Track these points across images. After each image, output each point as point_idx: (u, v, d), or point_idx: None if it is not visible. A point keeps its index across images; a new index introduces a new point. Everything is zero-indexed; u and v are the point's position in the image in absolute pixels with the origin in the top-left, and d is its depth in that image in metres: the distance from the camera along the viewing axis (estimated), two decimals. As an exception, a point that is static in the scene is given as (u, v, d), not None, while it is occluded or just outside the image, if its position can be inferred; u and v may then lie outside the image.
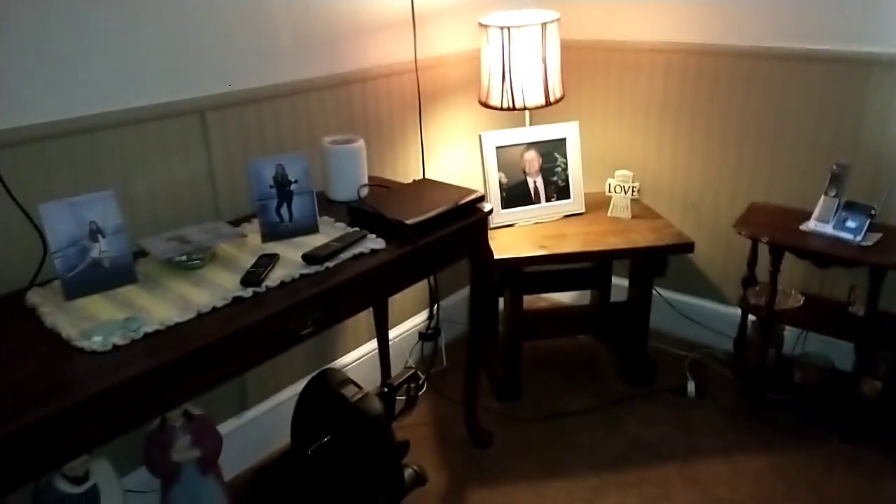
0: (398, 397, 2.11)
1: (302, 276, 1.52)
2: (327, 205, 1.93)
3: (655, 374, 2.54)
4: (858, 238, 2.09)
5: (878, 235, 2.10)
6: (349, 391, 1.93)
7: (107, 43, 1.60)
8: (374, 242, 1.68)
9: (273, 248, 1.66)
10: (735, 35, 2.39)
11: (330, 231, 1.75)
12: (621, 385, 2.54)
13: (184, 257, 1.53)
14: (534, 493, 2.06)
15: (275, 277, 1.50)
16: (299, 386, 2.06)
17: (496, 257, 2.07)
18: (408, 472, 2.01)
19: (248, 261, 1.56)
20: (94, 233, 1.44)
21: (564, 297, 3.02)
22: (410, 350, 2.60)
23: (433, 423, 2.36)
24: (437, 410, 2.42)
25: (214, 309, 1.39)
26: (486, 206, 1.91)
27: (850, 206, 2.14)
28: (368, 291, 1.63)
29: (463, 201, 1.86)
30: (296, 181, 1.71)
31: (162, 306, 1.40)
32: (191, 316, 1.36)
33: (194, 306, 1.38)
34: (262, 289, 1.46)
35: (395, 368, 2.46)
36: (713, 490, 2.06)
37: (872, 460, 2.14)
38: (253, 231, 1.73)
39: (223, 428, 2.02)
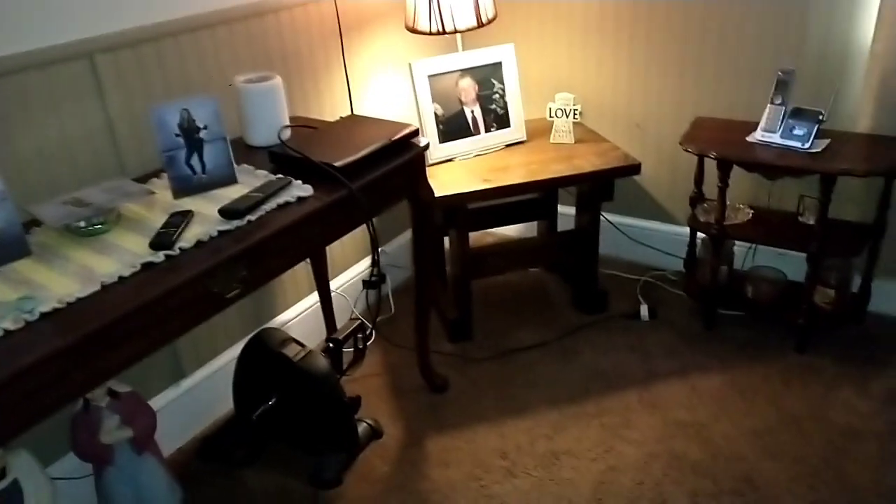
0: (346, 350, 1.99)
1: (221, 232, 1.37)
2: (246, 151, 1.76)
3: (607, 301, 2.49)
4: (807, 145, 2.02)
5: (827, 141, 2.04)
6: (291, 350, 1.81)
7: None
8: (300, 189, 1.52)
9: (186, 204, 1.49)
10: (671, -61, 2.25)
11: (250, 180, 1.58)
12: (574, 315, 2.48)
13: (82, 222, 1.36)
14: (494, 434, 1.99)
15: (189, 237, 1.34)
16: (238, 348, 1.93)
17: (437, 195, 1.94)
18: (362, 428, 1.92)
19: (159, 221, 1.40)
20: (-27, 203, 1.26)
21: (510, 231, 2.92)
22: (355, 300, 2.47)
23: (385, 372, 2.27)
24: (388, 359, 2.32)
25: (122, 278, 1.23)
26: (422, 141, 1.76)
27: (798, 113, 2.07)
28: (299, 244, 1.49)
29: (396, 137, 1.71)
30: (205, 127, 1.53)
31: (62, 280, 1.23)
32: (94, 289, 1.20)
33: (98, 277, 1.22)
34: (176, 251, 1.30)
35: (340, 321, 2.34)
36: (673, 413, 2.03)
37: (829, 369, 2.14)
38: (163, 187, 1.55)
39: (159, 400, 1.89)
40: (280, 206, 1.47)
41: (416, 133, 1.75)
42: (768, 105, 2.10)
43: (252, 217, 1.42)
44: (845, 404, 2.01)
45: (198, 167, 1.53)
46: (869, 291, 2.25)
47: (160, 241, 1.31)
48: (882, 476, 1.79)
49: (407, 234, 2.64)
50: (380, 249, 2.41)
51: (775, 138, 2.08)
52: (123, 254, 1.30)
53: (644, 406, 2.06)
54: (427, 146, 1.78)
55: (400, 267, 2.60)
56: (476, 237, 2.67)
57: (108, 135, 1.66)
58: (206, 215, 1.43)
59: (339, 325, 2.30)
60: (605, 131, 2.49)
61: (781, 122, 2.08)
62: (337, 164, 1.57)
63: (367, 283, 2.42)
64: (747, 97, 2.29)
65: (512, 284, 2.65)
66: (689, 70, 2.38)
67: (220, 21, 1.85)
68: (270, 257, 1.41)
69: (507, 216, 2.63)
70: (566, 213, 2.60)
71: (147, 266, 1.27)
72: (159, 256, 1.28)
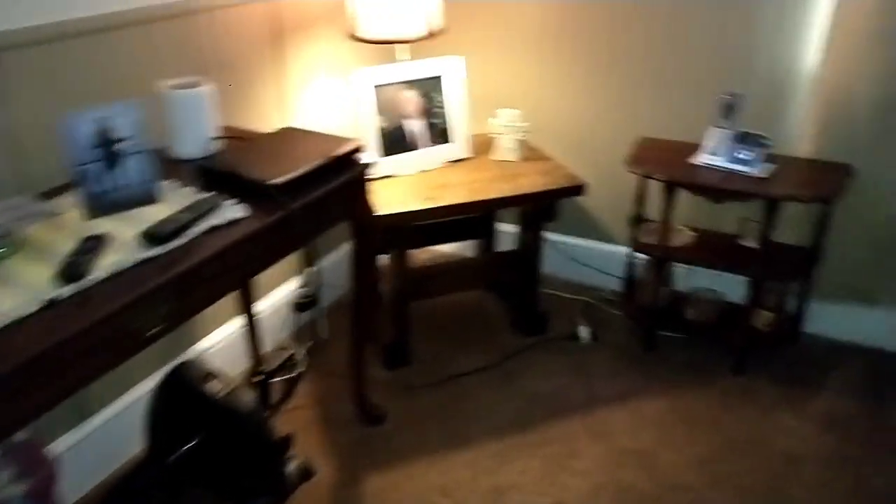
0: (276, 378, 1.83)
1: (141, 261, 1.20)
2: (171, 165, 1.58)
3: (547, 323, 2.42)
4: (753, 170, 2.02)
5: (772, 165, 2.04)
6: (214, 386, 1.64)
7: None
8: (232, 210, 1.37)
9: (101, 225, 1.30)
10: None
11: (176, 199, 1.41)
12: (514, 337, 2.40)
13: (-25, 248, 1.16)
14: (435, 469, 1.88)
15: (104, 266, 1.16)
16: (152, 381, 1.74)
17: (378, 214, 1.82)
18: (292, 468, 1.76)
19: (68, 246, 1.21)
20: None
21: (445, 248, 2.82)
22: (283, 323, 2.30)
23: (316, 403, 2.11)
24: (319, 388, 2.16)
25: (22, 317, 1.04)
26: (366, 158, 1.63)
27: (743, 138, 2.06)
28: (231, 272, 1.32)
29: (338, 153, 1.57)
30: (125, 138, 1.35)
31: (-54, 319, 1.04)
32: (-13, 331, 1.01)
33: (-8, 316, 1.03)
34: (87, 283, 1.12)
35: (268, 346, 2.17)
36: (618, 440, 1.97)
37: (767, 391, 2.14)
38: (73, 206, 1.36)
39: (60, 444, 1.67)
40: (210, 230, 1.31)
41: (359, 149, 1.62)
42: (714, 128, 2.09)
43: (178, 242, 1.25)
44: (785, 428, 2.00)
45: (115, 183, 1.35)
46: (804, 313, 2.26)
47: (69, 271, 1.13)
48: (825, 502, 1.78)
49: (340, 251, 2.49)
50: (311, 269, 2.26)
51: (721, 161, 2.07)
52: (24, 288, 1.11)
53: (588, 433, 2.00)
54: (370, 164, 1.65)
55: (332, 286, 2.45)
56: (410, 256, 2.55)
57: (9, 145, 1.45)
58: (125, 240, 1.25)
59: (266, 350, 2.13)
60: (547, 148, 2.42)
61: (727, 146, 2.07)
62: (272, 182, 1.43)
63: (297, 306, 2.25)
64: (690, 118, 2.27)
65: (448, 304, 2.54)
66: (632, 89, 2.34)
67: (146, 20, 1.66)
68: (198, 288, 1.25)
69: (445, 234, 2.53)
70: (504, 230, 2.53)
71: (53, 302, 1.08)
72: (67, 290, 1.10)
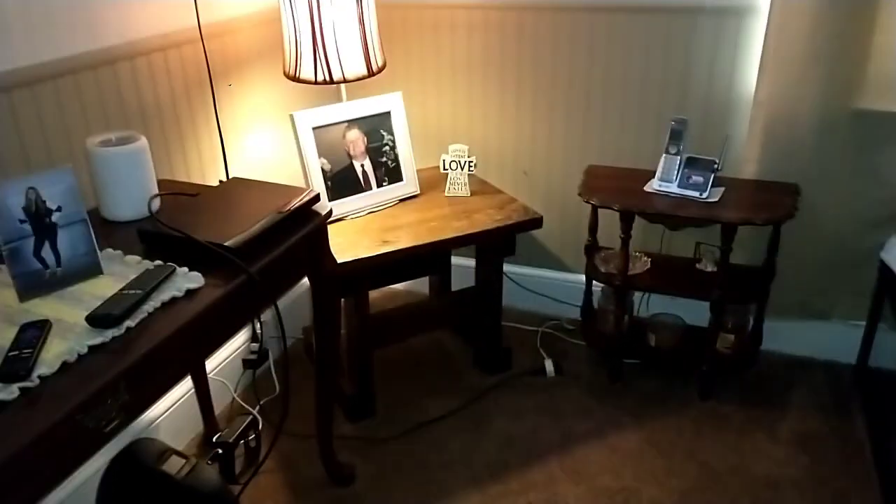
0: (238, 447, 1.70)
1: (92, 348, 1.06)
2: (106, 229, 1.44)
3: (510, 358, 2.36)
4: (705, 195, 2.02)
5: (721, 189, 2.05)
6: (172, 465, 1.49)
7: None
8: (188, 279, 1.24)
9: (39, 308, 1.16)
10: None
11: (120, 269, 1.27)
12: (478, 376, 2.32)
13: None
14: (414, 529, 1.78)
15: (50, 358, 1.02)
16: (100, 461, 1.57)
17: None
18: (264, 545, 1.63)
19: (6, 337, 1.06)
20: None
21: (400, 286, 2.73)
22: (236, 382, 2.15)
23: (278, 466, 1.97)
24: (282, 449, 2.02)
25: (-42, 431, 0.90)
26: (326, 207, 1.54)
27: (692, 163, 2.07)
28: (191, 348, 1.21)
29: (294, 205, 1.47)
30: (58, 208, 1.21)
31: None
32: (-84, 452, 0.86)
33: (-79, 433, 0.89)
34: (34, 381, 0.98)
35: (219, 406, 2.02)
36: (598, 480, 1.92)
37: (735, 415, 2.14)
38: (4, 285, 1.21)
39: (-2, 546, 1.48)
40: (165, 305, 1.18)
41: (316, 199, 1.52)
42: (664, 154, 2.08)
43: (131, 323, 1.12)
44: (760, 452, 2.00)
45: (51, 259, 1.21)
46: (761, 333, 2.28)
47: (12, 368, 0.98)
48: (809, 527, 1.78)
49: (287, 298, 2.36)
50: (260, 321, 2.13)
51: (673, 188, 2.06)
52: (-44, 392, 0.96)
53: (567, 475, 1.94)
54: (330, 213, 1.56)
55: (277, 337, 2.31)
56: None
57: (-83, 219, 1.28)
58: (69, 324, 1.11)
59: (220, 411, 1.99)
60: (493, 180, 2.38)
61: (678, 172, 2.07)
62: (231, 243, 1.31)
63: (247, 363, 2.11)
64: (635, 144, 2.28)
65: (406, 345, 2.44)
66: (576, 118, 2.33)
67: (63, 72, 1.52)
68: (158, 372, 1.13)
69: (399, 272, 2.43)
70: (458, 264, 2.46)
71: (-5, 407, 0.94)
72: (13, 391, 0.96)
